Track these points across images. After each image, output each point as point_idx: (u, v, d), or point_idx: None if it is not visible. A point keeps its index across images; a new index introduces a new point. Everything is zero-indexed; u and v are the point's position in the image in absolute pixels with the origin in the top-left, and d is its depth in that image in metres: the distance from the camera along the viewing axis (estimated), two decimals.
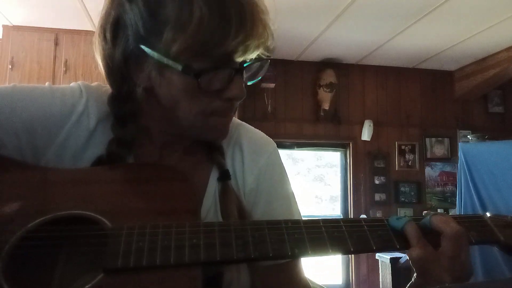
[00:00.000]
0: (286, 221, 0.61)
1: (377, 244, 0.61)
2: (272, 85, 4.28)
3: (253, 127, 0.83)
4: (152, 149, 0.73)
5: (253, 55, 0.65)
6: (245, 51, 0.63)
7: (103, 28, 0.67)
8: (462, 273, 0.59)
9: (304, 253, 0.58)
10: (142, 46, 0.62)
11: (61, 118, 0.68)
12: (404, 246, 0.61)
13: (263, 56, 0.67)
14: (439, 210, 4.60)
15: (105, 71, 0.69)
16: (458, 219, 0.64)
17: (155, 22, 0.61)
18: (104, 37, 0.66)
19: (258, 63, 0.67)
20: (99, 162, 0.67)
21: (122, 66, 0.65)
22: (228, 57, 0.62)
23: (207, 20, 0.58)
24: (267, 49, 0.67)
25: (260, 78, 0.70)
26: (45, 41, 3.68)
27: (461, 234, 0.60)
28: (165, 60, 0.61)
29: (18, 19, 3.58)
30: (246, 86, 0.68)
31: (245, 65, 0.65)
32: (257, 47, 0.64)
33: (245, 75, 0.67)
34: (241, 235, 0.57)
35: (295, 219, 0.62)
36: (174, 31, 0.60)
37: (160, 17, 0.61)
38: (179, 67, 0.61)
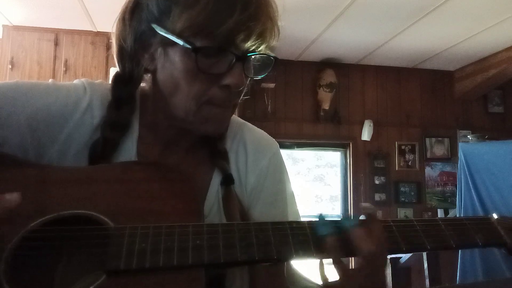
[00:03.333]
0: (291, 222, 0.60)
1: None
2: (272, 85, 4.28)
3: (256, 127, 0.83)
4: (155, 146, 0.73)
5: (257, 46, 0.65)
6: (247, 36, 0.63)
7: (123, 12, 0.69)
8: None
9: (309, 254, 0.58)
10: (153, 25, 0.65)
11: (65, 115, 0.68)
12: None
13: (268, 54, 0.67)
14: (439, 210, 4.60)
15: (116, 50, 0.71)
16: (464, 221, 0.64)
17: (167, 2, 0.63)
18: (123, 19, 0.69)
19: (262, 58, 0.68)
20: (95, 146, 0.67)
21: (132, 45, 0.67)
22: (230, 39, 0.62)
23: (213, 0, 0.60)
24: (272, 49, 0.67)
25: (263, 75, 0.70)
26: (45, 41, 3.67)
27: (377, 256, 0.58)
28: (169, 36, 0.63)
29: (18, 19, 3.58)
30: (247, 79, 0.68)
31: (248, 55, 0.65)
32: (260, 36, 0.64)
33: (250, 69, 0.67)
34: (245, 236, 0.57)
35: (299, 221, 0.62)
36: (181, 8, 0.62)
37: None
38: (181, 42, 0.62)
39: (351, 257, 0.59)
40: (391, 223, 0.63)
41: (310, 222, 0.61)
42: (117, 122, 0.69)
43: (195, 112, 0.66)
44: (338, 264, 0.57)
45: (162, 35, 0.63)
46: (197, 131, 0.71)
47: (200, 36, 0.62)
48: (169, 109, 0.68)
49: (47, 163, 0.66)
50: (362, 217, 0.62)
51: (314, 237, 0.59)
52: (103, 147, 0.67)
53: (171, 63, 0.65)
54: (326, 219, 0.61)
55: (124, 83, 0.70)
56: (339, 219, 0.61)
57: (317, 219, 0.60)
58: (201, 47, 0.61)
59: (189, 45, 0.61)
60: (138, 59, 0.68)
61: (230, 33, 0.62)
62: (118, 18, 0.70)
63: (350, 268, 0.58)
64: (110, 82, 0.74)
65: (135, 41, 0.67)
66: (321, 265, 0.59)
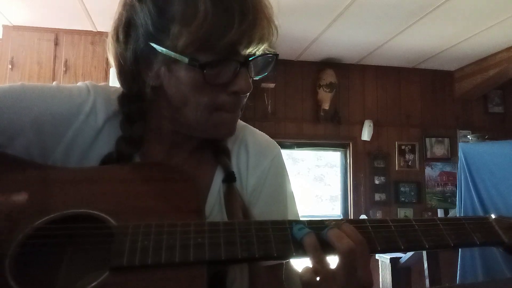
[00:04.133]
0: (290, 222, 0.61)
1: (382, 245, 0.61)
2: (272, 85, 4.28)
3: (257, 130, 0.84)
4: (160, 148, 0.74)
5: (257, 48, 0.66)
6: (249, 43, 0.64)
7: (116, 30, 0.69)
8: None
9: None
10: (152, 44, 0.64)
11: (69, 117, 0.68)
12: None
13: (268, 52, 0.68)
14: (439, 210, 4.61)
15: (117, 70, 0.70)
16: (462, 220, 0.64)
17: (163, 20, 0.63)
18: (117, 38, 0.68)
19: (264, 58, 0.68)
20: (108, 159, 0.68)
21: (133, 65, 0.67)
22: (232, 49, 0.63)
23: (211, 13, 0.60)
24: (272, 45, 0.68)
25: (266, 73, 0.70)
26: (45, 41, 3.68)
27: (353, 251, 0.57)
28: (172, 55, 0.63)
29: (18, 19, 3.58)
30: (253, 80, 0.69)
31: (250, 59, 0.66)
32: (261, 40, 0.65)
33: (252, 70, 0.68)
34: (246, 234, 0.58)
35: (299, 220, 0.63)
36: (180, 26, 0.62)
37: (167, 14, 0.63)
38: (186, 60, 0.62)
39: (330, 255, 0.58)
40: (390, 223, 0.64)
41: (310, 222, 0.62)
42: (132, 138, 0.70)
43: (207, 120, 0.68)
44: (318, 263, 0.56)
45: (163, 53, 0.63)
46: (209, 137, 0.73)
47: (202, 51, 0.62)
48: (179, 118, 0.69)
49: (51, 164, 0.67)
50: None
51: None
52: (118, 160, 0.68)
53: (176, 78, 0.65)
54: (302, 223, 0.61)
55: (133, 101, 0.70)
56: (316, 222, 0.61)
57: (294, 224, 0.60)
58: (206, 62, 0.62)
59: (194, 61, 0.62)
60: (142, 77, 0.68)
61: (232, 44, 0.62)
62: (111, 36, 0.70)
63: (330, 267, 0.57)
64: (111, 83, 0.74)
65: (136, 61, 0.67)
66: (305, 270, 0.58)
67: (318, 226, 0.60)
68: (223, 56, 0.63)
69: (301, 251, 0.58)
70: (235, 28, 0.61)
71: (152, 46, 0.64)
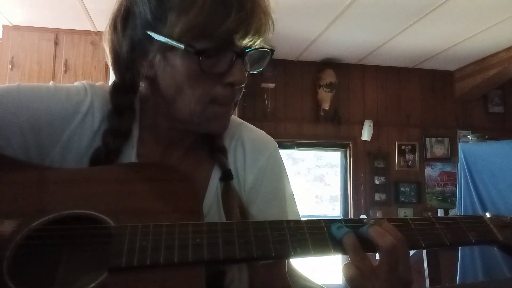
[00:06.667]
0: (288, 221, 0.61)
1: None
2: (272, 85, 4.28)
3: (254, 126, 0.84)
4: (155, 147, 0.74)
5: (254, 41, 0.66)
6: (245, 33, 0.64)
7: (114, 20, 0.69)
8: (399, 286, 0.58)
9: (307, 253, 0.58)
10: (149, 32, 0.65)
11: (66, 117, 0.68)
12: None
13: (265, 47, 0.69)
14: (439, 210, 4.60)
15: (112, 59, 0.71)
16: (457, 219, 0.65)
17: (161, 8, 0.64)
18: (115, 28, 0.69)
19: (260, 52, 0.69)
20: (96, 154, 0.68)
21: (128, 53, 0.68)
22: (229, 38, 0.63)
23: (209, 2, 0.61)
24: (269, 43, 0.68)
25: (261, 68, 0.71)
26: (45, 41, 3.68)
27: (396, 248, 0.58)
28: (169, 42, 0.63)
29: (18, 19, 3.58)
30: (249, 74, 0.69)
31: (246, 50, 0.66)
32: (258, 31, 0.65)
33: (247, 64, 0.68)
34: (244, 235, 0.58)
35: (296, 220, 0.63)
36: (178, 13, 0.62)
37: (166, 3, 0.63)
38: (182, 47, 0.62)
39: (371, 253, 0.60)
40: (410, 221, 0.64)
41: (308, 221, 0.62)
42: (119, 130, 0.69)
43: (200, 113, 0.67)
44: (359, 261, 0.58)
45: (160, 41, 0.64)
46: (202, 131, 0.72)
47: (199, 38, 0.62)
48: (172, 112, 0.69)
49: (48, 165, 0.67)
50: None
51: (313, 236, 0.59)
52: (106, 155, 0.68)
53: (172, 67, 0.65)
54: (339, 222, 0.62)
55: (124, 92, 0.70)
56: (352, 222, 0.62)
57: (332, 224, 0.61)
58: (202, 49, 0.62)
59: (191, 48, 0.62)
60: (136, 67, 0.68)
61: (229, 33, 0.63)
62: (108, 27, 0.70)
63: (371, 264, 0.58)
64: (110, 85, 0.74)
65: (132, 49, 0.67)
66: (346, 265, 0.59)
67: (355, 225, 0.61)
68: (219, 45, 0.63)
69: (339, 249, 0.59)
70: (232, 17, 0.61)
71: (149, 35, 0.65)
